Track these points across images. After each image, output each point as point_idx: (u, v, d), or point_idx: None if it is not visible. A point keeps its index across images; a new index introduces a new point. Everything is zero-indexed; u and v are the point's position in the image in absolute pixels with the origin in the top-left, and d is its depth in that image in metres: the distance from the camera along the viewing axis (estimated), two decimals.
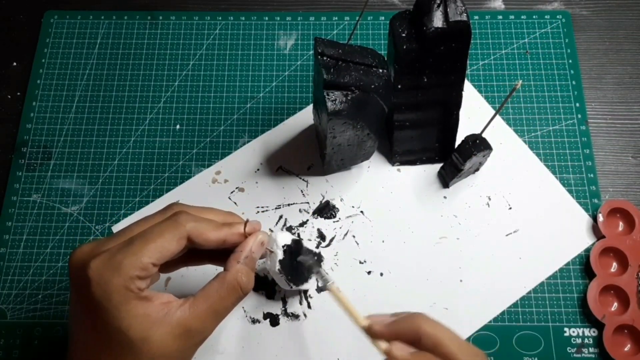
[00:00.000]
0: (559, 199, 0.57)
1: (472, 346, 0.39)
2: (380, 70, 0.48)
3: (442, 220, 0.56)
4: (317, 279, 0.48)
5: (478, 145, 0.52)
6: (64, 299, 0.54)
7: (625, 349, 0.51)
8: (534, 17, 0.65)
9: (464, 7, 0.47)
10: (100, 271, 0.36)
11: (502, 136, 0.59)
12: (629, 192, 0.58)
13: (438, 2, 0.47)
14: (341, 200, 0.57)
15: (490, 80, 0.62)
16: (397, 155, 0.57)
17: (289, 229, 0.55)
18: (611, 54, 0.64)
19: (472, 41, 0.49)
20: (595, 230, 0.55)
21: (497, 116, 0.49)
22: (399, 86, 0.51)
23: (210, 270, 0.46)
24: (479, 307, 0.53)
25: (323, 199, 0.57)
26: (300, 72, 0.63)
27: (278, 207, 0.57)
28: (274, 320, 0.52)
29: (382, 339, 0.39)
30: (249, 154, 0.59)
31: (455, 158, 0.53)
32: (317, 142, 0.58)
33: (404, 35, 0.49)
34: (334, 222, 0.56)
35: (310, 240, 0.55)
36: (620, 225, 0.56)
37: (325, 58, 0.47)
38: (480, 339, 0.52)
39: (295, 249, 0.47)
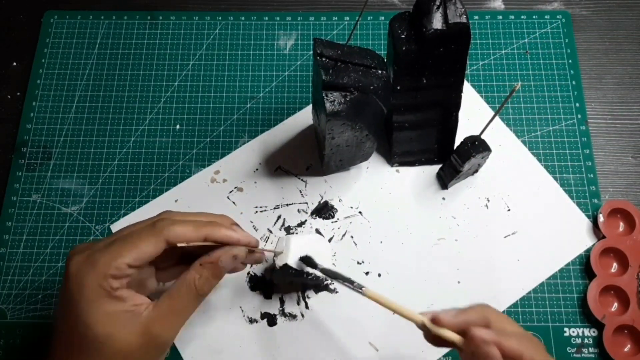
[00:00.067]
0: (557, 200, 0.57)
1: (530, 335, 0.41)
2: (380, 72, 0.48)
3: (441, 221, 0.56)
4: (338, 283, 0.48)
5: (477, 146, 0.51)
6: None
7: (625, 349, 0.51)
8: (534, 17, 0.65)
9: (463, 9, 0.47)
10: (79, 266, 0.38)
11: (501, 138, 0.59)
12: (629, 192, 0.58)
13: (438, 3, 0.47)
14: (340, 200, 0.57)
15: (490, 81, 0.62)
16: (396, 156, 0.57)
17: (287, 229, 0.56)
18: (611, 54, 0.64)
19: (471, 41, 0.49)
20: (594, 232, 0.55)
21: (497, 118, 0.49)
22: (398, 87, 0.51)
23: (227, 278, 0.46)
24: None
25: (322, 199, 0.57)
26: (300, 72, 0.63)
27: (276, 207, 0.57)
28: (271, 321, 0.52)
29: (449, 330, 0.39)
30: (248, 153, 0.59)
31: (454, 159, 0.53)
32: (316, 143, 0.58)
33: (403, 36, 0.49)
34: (332, 222, 0.56)
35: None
36: (621, 226, 0.56)
37: (324, 59, 0.47)
38: None
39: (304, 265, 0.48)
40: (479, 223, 0.56)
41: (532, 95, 0.61)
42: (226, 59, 0.64)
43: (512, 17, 0.65)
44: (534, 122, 0.60)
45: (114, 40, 0.65)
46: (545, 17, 0.65)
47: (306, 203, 0.57)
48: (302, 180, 0.58)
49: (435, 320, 0.39)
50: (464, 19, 0.47)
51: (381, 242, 0.55)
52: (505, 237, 0.55)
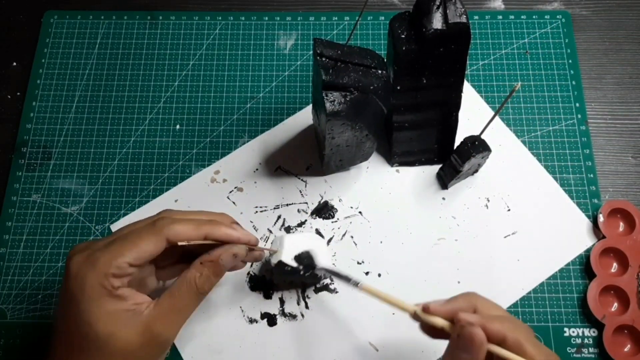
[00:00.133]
0: (557, 201, 0.57)
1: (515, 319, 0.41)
2: (380, 71, 0.48)
3: (441, 221, 0.56)
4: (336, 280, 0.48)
5: (477, 146, 0.51)
6: None
7: (625, 349, 0.51)
8: (534, 17, 0.65)
9: (463, 9, 0.47)
10: (79, 266, 0.38)
11: (501, 138, 0.59)
12: (629, 192, 0.58)
13: (437, 3, 0.47)
14: (340, 200, 0.57)
15: (490, 81, 0.62)
16: (396, 156, 0.57)
17: (287, 229, 0.56)
18: (611, 54, 0.64)
19: (471, 41, 0.49)
20: (594, 232, 0.55)
21: (497, 117, 0.49)
22: (398, 87, 0.51)
23: (227, 278, 0.46)
24: None
25: (322, 199, 0.57)
26: (300, 72, 0.63)
27: (276, 207, 0.57)
28: (271, 320, 0.52)
29: (439, 317, 0.40)
30: (248, 153, 0.59)
31: (454, 159, 0.53)
32: (317, 143, 0.58)
33: (403, 36, 0.49)
34: (332, 222, 0.56)
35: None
36: (621, 226, 0.56)
37: (324, 59, 0.47)
38: None
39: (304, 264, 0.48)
40: (479, 223, 0.56)
41: (532, 95, 0.61)
42: (226, 59, 0.64)
43: (512, 17, 0.65)
44: (534, 122, 0.60)
45: (114, 40, 0.65)
46: (545, 17, 0.65)
47: (306, 203, 0.57)
48: (302, 180, 0.58)
49: (425, 309, 0.40)
50: (464, 19, 0.47)
51: (381, 242, 0.55)
52: (505, 237, 0.55)
